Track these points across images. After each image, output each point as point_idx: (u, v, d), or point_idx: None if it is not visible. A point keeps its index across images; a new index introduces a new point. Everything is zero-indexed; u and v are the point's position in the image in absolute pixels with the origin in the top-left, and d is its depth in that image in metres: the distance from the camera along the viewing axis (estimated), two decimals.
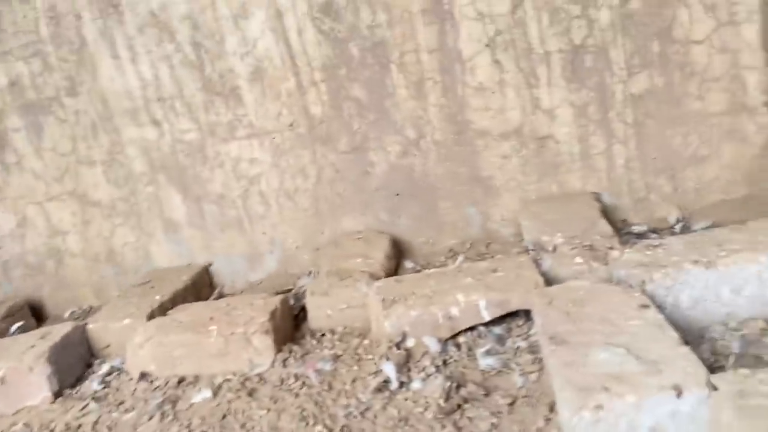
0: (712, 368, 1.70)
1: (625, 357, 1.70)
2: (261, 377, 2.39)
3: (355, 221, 3.26)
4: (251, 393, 2.30)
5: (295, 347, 2.53)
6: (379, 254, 3.00)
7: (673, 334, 1.77)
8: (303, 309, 2.78)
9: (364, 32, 3.01)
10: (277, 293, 2.86)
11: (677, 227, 2.91)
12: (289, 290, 3.04)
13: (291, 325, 2.68)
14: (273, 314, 2.53)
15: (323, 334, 2.62)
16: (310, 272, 3.19)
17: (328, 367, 2.37)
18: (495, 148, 3.11)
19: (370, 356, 2.37)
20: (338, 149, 3.20)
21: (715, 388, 1.52)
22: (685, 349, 1.69)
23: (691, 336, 2.08)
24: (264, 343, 2.44)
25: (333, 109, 3.14)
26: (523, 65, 2.99)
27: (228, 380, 2.40)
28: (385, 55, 3.03)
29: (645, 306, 1.94)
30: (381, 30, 3.00)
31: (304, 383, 2.30)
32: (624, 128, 2.97)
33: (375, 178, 3.22)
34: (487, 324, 2.34)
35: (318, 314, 2.69)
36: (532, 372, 2.06)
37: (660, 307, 2.02)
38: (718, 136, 2.94)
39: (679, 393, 1.55)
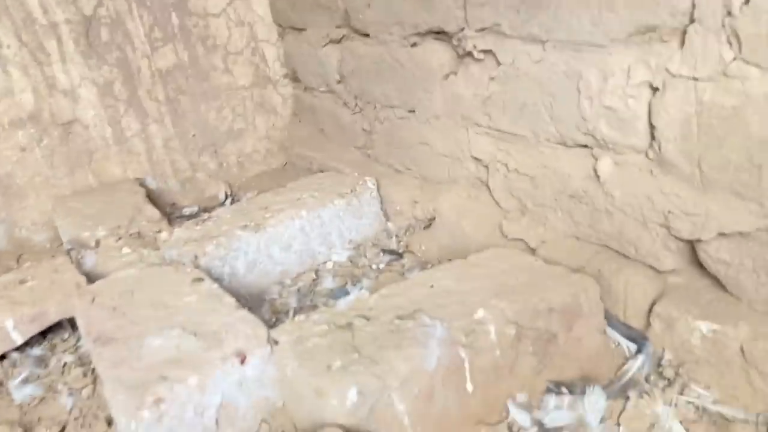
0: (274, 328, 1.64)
1: (181, 337, 1.51)
2: None
3: None
4: None
5: None
6: None
7: (231, 300, 1.65)
8: None
9: None
10: None
11: (227, 203, 2.88)
12: None
13: None
14: None
15: None
16: None
17: None
18: (8, 140, 2.56)
19: None
20: None
21: (276, 342, 1.45)
22: (244, 312, 1.59)
23: (252, 301, 2.03)
24: None
25: None
26: (26, 38, 2.51)
27: None
28: None
29: (199, 279, 1.78)
30: None
31: None
32: (157, 106, 2.78)
33: None
34: (23, 347, 1.88)
35: None
36: (83, 387, 1.72)
37: (218, 280, 1.91)
38: (250, 109, 3.00)
39: (242, 359, 1.44)
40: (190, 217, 2.73)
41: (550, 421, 1.36)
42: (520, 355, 1.41)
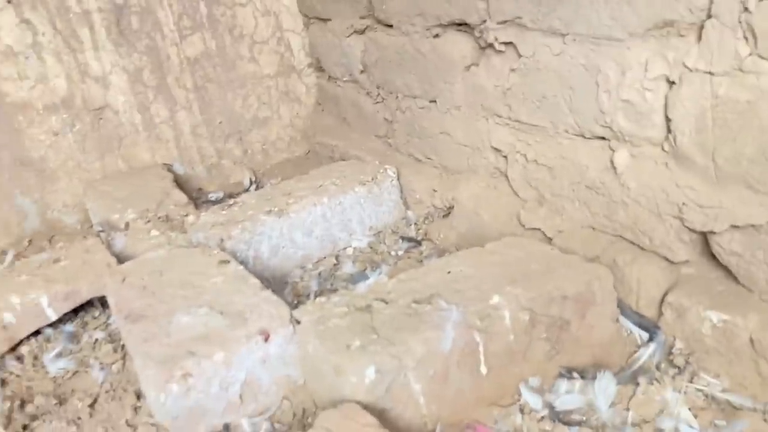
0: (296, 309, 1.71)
1: (209, 315, 1.58)
2: None
3: None
4: None
5: None
6: None
7: (255, 282, 1.72)
8: None
9: None
10: None
11: (251, 189, 2.94)
12: None
13: None
14: None
15: None
16: None
17: None
18: (42, 124, 2.65)
19: None
20: None
21: (298, 322, 1.51)
22: (268, 293, 1.66)
23: (275, 284, 2.09)
24: None
25: None
26: (60, 26, 2.59)
27: None
28: None
29: (225, 262, 1.85)
30: None
31: None
32: (185, 93, 2.85)
33: None
34: (56, 323, 1.96)
35: None
36: (113, 362, 1.80)
37: (243, 263, 1.97)
38: (275, 97, 3.06)
39: (266, 337, 1.51)
40: (216, 202, 2.81)
41: (560, 404, 1.40)
42: (534, 340, 1.45)
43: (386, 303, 1.48)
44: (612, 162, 1.60)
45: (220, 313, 1.59)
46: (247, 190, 2.95)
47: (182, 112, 2.87)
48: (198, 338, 1.51)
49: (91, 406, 1.65)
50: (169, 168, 2.85)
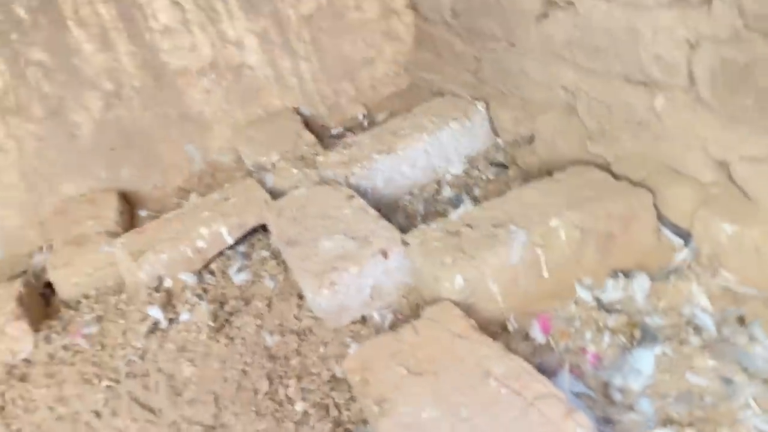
0: (408, 228, 2.24)
1: (343, 240, 2.16)
2: (27, 361, 2.39)
3: (76, 185, 3.22)
4: (23, 378, 2.32)
5: (53, 323, 2.55)
6: (110, 212, 3.03)
7: (374, 213, 2.27)
8: (47, 285, 2.77)
9: None
10: (13, 277, 2.79)
11: (365, 122, 3.47)
12: (25, 272, 2.95)
13: (40, 303, 2.67)
14: (19, 299, 2.50)
15: (78, 302, 2.66)
16: (41, 247, 3.11)
17: (94, 329, 2.46)
18: (197, 85, 3.29)
19: (132, 307, 2.51)
20: (34, 117, 3.08)
21: (407, 244, 2.06)
22: (384, 222, 2.21)
23: (390, 210, 2.65)
24: (19, 329, 2.43)
25: (15, 77, 2.99)
26: (201, 3, 3.15)
27: None
28: (57, 12, 2.95)
29: (351, 197, 2.42)
30: None
31: (75, 351, 2.38)
32: (304, 46, 3.37)
33: (84, 138, 3.19)
34: (232, 246, 2.64)
35: (66, 286, 2.69)
36: (278, 274, 2.45)
37: (363, 194, 2.52)
38: (378, 38, 3.50)
39: (385, 255, 2.07)
40: (338, 136, 3.36)
41: (606, 297, 1.87)
42: (585, 250, 1.91)
43: (471, 228, 1.98)
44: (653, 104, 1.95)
45: (351, 238, 2.17)
46: (361, 123, 3.47)
47: (303, 63, 3.40)
48: (338, 257, 2.10)
49: (268, 305, 2.33)
50: (297, 111, 3.42)
